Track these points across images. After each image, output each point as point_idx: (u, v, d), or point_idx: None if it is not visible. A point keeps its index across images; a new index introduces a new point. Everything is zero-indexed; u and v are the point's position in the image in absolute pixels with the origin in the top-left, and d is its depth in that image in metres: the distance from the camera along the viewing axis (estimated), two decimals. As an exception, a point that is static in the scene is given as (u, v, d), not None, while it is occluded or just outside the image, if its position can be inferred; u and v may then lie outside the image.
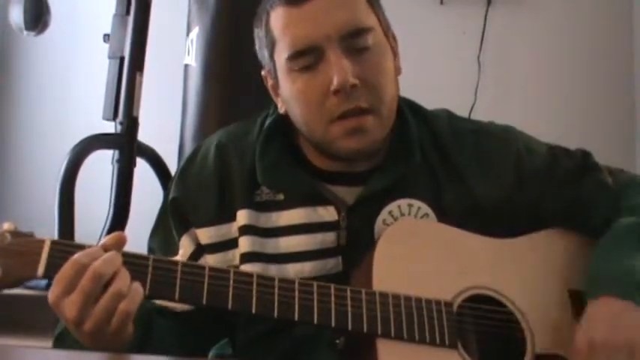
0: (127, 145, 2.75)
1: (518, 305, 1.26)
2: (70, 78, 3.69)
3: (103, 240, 1.14)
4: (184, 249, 1.33)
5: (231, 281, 1.14)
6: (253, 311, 1.14)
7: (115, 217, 2.71)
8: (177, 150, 2.64)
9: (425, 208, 1.33)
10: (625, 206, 1.35)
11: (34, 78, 3.78)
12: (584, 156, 1.44)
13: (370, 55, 1.29)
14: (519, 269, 1.31)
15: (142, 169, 2.84)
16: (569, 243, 1.36)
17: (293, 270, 1.29)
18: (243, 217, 1.32)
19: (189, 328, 1.30)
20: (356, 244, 1.30)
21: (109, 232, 2.58)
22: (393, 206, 1.32)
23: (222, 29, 2.53)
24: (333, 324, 1.16)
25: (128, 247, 1.14)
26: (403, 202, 1.32)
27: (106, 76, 2.80)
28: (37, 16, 2.81)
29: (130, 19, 2.77)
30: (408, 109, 1.40)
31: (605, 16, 3.39)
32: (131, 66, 2.75)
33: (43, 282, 2.56)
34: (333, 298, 1.17)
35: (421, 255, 1.26)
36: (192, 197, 1.36)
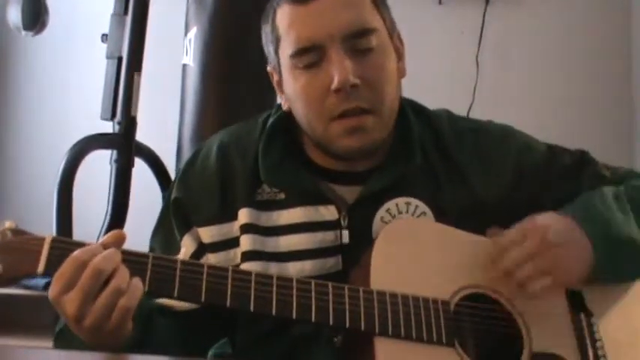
0: (125, 145, 2.75)
1: (514, 304, 1.26)
2: (68, 78, 3.69)
3: (103, 238, 1.14)
4: (186, 248, 1.34)
5: (230, 279, 1.15)
6: (251, 309, 1.14)
7: (113, 216, 2.72)
8: (176, 150, 2.64)
9: (422, 207, 1.33)
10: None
11: (32, 78, 3.78)
12: (582, 154, 1.45)
13: (373, 55, 1.29)
14: (517, 268, 1.31)
15: (140, 169, 2.85)
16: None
17: (293, 269, 1.30)
18: (244, 215, 1.32)
19: (189, 327, 1.31)
20: (356, 243, 1.30)
21: (107, 232, 2.57)
22: (391, 204, 1.32)
23: (221, 29, 2.53)
24: (330, 322, 1.16)
25: (126, 247, 1.14)
26: (401, 201, 1.33)
27: (104, 76, 2.80)
28: (35, 16, 2.81)
29: (128, 18, 2.77)
30: (410, 109, 1.41)
31: (603, 16, 3.40)
32: (129, 66, 2.75)
33: (42, 282, 2.57)
34: (331, 297, 1.17)
35: (419, 254, 1.26)
36: (194, 197, 1.36)
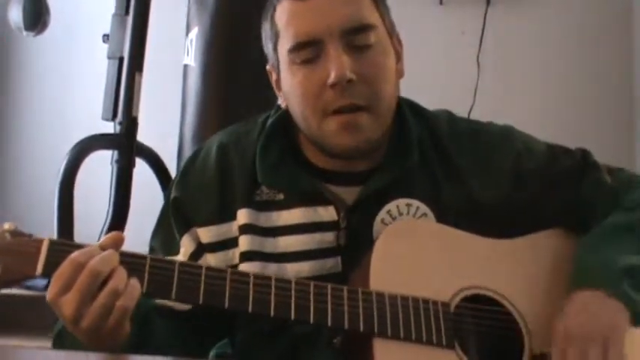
0: (126, 145, 2.75)
1: (516, 305, 1.26)
2: (70, 78, 3.70)
3: (101, 240, 1.14)
4: (185, 248, 1.34)
5: (228, 280, 1.15)
6: (250, 310, 1.14)
7: (114, 217, 2.72)
8: (177, 150, 2.64)
9: (423, 208, 1.33)
10: (622, 204, 1.36)
11: (33, 78, 3.78)
12: (584, 155, 1.43)
13: (371, 53, 1.29)
14: (517, 270, 1.30)
15: (141, 169, 2.85)
16: (567, 243, 1.36)
17: (292, 269, 1.29)
18: (243, 216, 1.32)
19: (189, 327, 1.31)
20: (355, 244, 1.30)
21: (108, 232, 2.57)
22: (391, 206, 1.32)
23: (222, 29, 2.53)
24: (329, 323, 1.16)
25: (127, 247, 1.14)
26: (402, 202, 1.33)
27: (105, 77, 2.81)
28: (37, 16, 2.81)
29: (130, 19, 2.77)
30: (408, 109, 1.40)
31: (604, 16, 3.40)
32: (130, 66, 2.76)
33: (42, 283, 2.56)
34: (329, 298, 1.17)
35: (419, 255, 1.26)
36: (193, 197, 1.36)
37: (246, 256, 1.31)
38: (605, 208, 1.36)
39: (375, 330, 1.16)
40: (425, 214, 1.33)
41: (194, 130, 2.55)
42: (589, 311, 1.21)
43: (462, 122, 1.44)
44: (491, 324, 1.24)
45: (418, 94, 1.45)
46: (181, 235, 1.35)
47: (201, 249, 1.34)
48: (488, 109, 3.09)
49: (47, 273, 1.10)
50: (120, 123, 2.75)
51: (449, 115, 1.44)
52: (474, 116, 1.53)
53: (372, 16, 1.31)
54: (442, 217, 1.33)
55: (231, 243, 1.33)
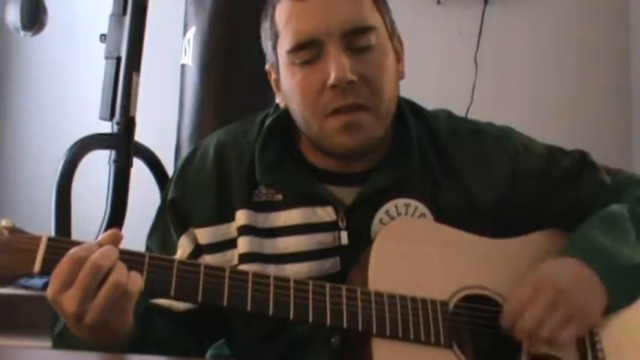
0: (123, 145, 2.74)
1: (514, 305, 1.26)
2: (67, 78, 3.69)
3: (99, 237, 1.14)
4: (183, 249, 1.33)
5: (227, 279, 1.15)
6: (248, 309, 1.14)
7: (112, 217, 2.71)
8: (174, 150, 2.64)
9: (422, 208, 1.33)
10: (623, 199, 1.36)
11: (30, 78, 3.78)
12: (582, 156, 1.44)
13: (371, 53, 1.29)
14: (516, 269, 1.30)
15: (139, 169, 2.84)
16: (565, 243, 1.36)
17: (291, 270, 1.29)
18: (241, 217, 1.32)
19: (187, 327, 1.31)
20: (354, 244, 1.29)
21: (106, 231, 2.57)
22: (390, 206, 1.32)
23: (219, 29, 2.53)
24: (328, 322, 1.16)
25: (125, 246, 1.14)
26: (400, 202, 1.33)
27: (102, 76, 2.80)
28: (34, 16, 2.80)
29: (127, 18, 2.77)
30: (408, 109, 1.40)
31: (601, 16, 3.40)
32: (128, 66, 2.75)
33: (40, 282, 2.56)
34: (328, 297, 1.17)
35: (417, 255, 1.26)
36: (191, 197, 1.36)
37: (245, 258, 1.30)
38: (604, 208, 1.36)
39: (374, 330, 1.16)
40: (423, 214, 1.33)
41: (192, 130, 2.54)
42: (576, 279, 1.23)
43: (461, 122, 1.44)
44: (489, 324, 1.24)
45: (416, 94, 1.44)
46: (179, 236, 1.35)
47: (198, 250, 1.33)
48: (485, 109, 3.08)
49: (45, 270, 1.09)
50: (117, 123, 2.74)
51: (448, 115, 1.44)
52: (472, 116, 1.53)
53: (373, 17, 1.30)
54: (440, 217, 1.32)
55: (230, 244, 1.32)
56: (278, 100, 1.39)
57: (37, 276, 1.11)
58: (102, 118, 2.78)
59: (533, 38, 3.43)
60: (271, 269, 1.29)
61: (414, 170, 1.34)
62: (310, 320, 1.15)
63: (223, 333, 1.41)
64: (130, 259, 1.12)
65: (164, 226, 1.37)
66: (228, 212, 1.33)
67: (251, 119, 1.43)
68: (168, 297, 1.14)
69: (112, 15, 2.81)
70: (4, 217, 1.15)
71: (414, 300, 1.20)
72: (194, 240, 1.34)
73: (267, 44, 1.37)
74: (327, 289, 1.17)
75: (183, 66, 2.60)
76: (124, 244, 1.14)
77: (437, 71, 3.33)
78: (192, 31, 2.55)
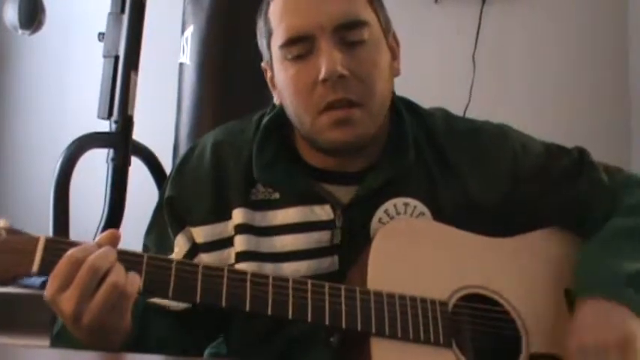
0: (121, 143, 2.74)
1: (513, 304, 1.26)
2: (65, 77, 3.69)
3: (97, 238, 1.14)
4: (179, 248, 1.33)
5: (225, 279, 1.14)
6: (247, 309, 1.14)
7: (110, 215, 2.71)
8: (172, 149, 2.63)
9: (420, 207, 1.33)
10: (620, 205, 1.36)
11: (28, 77, 3.77)
12: (581, 154, 1.44)
13: (363, 49, 1.28)
14: (515, 268, 1.30)
15: (137, 167, 2.84)
16: (565, 242, 1.36)
17: (289, 269, 1.29)
18: (239, 215, 1.32)
19: (184, 326, 1.30)
20: (352, 243, 1.29)
21: (104, 230, 2.57)
22: (388, 205, 1.32)
23: (217, 28, 2.53)
24: (327, 322, 1.16)
25: (123, 245, 1.14)
26: (399, 201, 1.33)
27: (100, 75, 2.80)
28: (32, 15, 2.80)
29: (125, 17, 2.77)
30: (404, 107, 1.40)
31: (599, 14, 3.40)
32: (126, 65, 2.75)
33: (38, 281, 2.56)
34: (327, 297, 1.17)
35: (417, 254, 1.26)
36: (188, 196, 1.36)
37: (242, 257, 1.30)
38: (602, 207, 1.36)
39: (373, 329, 1.16)
40: (422, 213, 1.33)
41: (190, 129, 2.54)
42: (599, 322, 1.20)
43: (458, 121, 1.44)
44: (488, 323, 1.24)
45: (414, 93, 1.45)
46: (175, 235, 1.34)
47: (195, 249, 1.33)
48: (483, 108, 3.09)
49: (43, 271, 1.09)
50: (115, 121, 2.74)
51: (445, 114, 1.44)
52: (470, 115, 1.52)
53: (365, 13, 1.30)
54: (439, 216, 1.32)
55: (227, 243, 1.32)
56: (274, 97, 1.39)
57: (34, 276, 1.11)
58: (100, 117, 2.78)
59: (531, 37, 3.42)
60: (268, 268, 1.29)
61: (411, 168, 1.34)
62: (309, 320, 1.15)
63: (222, 331, 1.41)
64: (128, 259, 1.12)
65: (161, 224, 1.37)
66: (226, 211, 1.33)
67: (248, 118, 1.43)
68: (166, 297, 1.14)
69: (110, 13, 2.81)
70: (2, 215, 1.14)
71: (413, 299, 1.20)
72: (191, 239, 1.34)
73: (262, 42, 1.37)
74: (326, 288, 1.17)
75: (181, 65, 2.60)
76: (122, 242, 1.14)
77: (435, 70, 3.33)
78: (190, 30, 2.55)
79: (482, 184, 1.36)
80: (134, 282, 1.10)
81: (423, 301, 1.20)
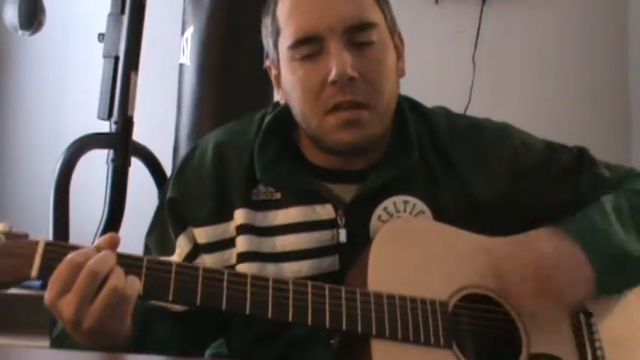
0: (121, 144, 2.74)
1: (513, 305, 1.26)
2: (65, 77, 3.69)
3: (96, 242, 1.13)
4: (181, 248, 1.33)
5: (225, 282, 1.14)
6: (247, 312, 1.14)
7: (110, 216, 2.71)
8: (172, 149, 2.63)
9: (420, 205, 1.33)
10: (622, 190, 1.37)
11: (28, 77, 3.77)
12: (581, 151, 1.44)
13: (372, 50, 1.28)
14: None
15: (137, 168, 2.84)
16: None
17: (290, 269, 1.29)
18: (240, 216, 1.32)
19: (185, 327, 1.30)
20: (353, 242, 1.29)
21: (104, 231, 2.57)
22: (388, 202, 1.32)
23: (218, 28, 2.52)
24: (327, 324, 1.15)
25: (123, 246, 1.14)
26: (398, 199, 1.32)
27: (100, 76, 2.80)
28: (32, 16, 2.80)
29: (125, 18, 2.76)
30: (407, 106, 1.40)
31: (599, 15, 3.40)
32: (126, 65, 2.75)
33: (38, 281, 2.56)
34: (327, 299, 1.16)
35: (416, 254, 1.26)
36: (189, 197, 1.35)
37: (244, 257, 1.30)
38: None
39: (373, 331, 1.16)
40: (422, 212, 1.32)
41: (190, 129, 2.54)
42: (564, 255, 1.25)
43: (459, 119, 1.44)
44: (489, 323, 1.24)
45: (414, 93, 1.45)
46: (177, 236, 1.34)
47: (197, 249, 1.33)
48: (483, 108, 3.05)
49: (42, 275, 1.09)
50: (115, 122, 2.74)
51: (446, 112, 1.44)
52: (470, 115, 1.53)
53: (374, 14, 1.30)
54: (440, 215, 1.32)
55: (228, 243, 1.32)
56: (278, 96, 1.39)
57: (33, 280, 1.11)
58: (100, 118, 2.78)
59: (531, 37, 3.43)
60: (270, 268, 1.29)
61: (414, 168, 1.34)
62: (309, 323, 1.15)
63: (222, 333, 1.41)
64: (128, 263, 1.12)
65: (162, 225, 1.37)
66: (227, 211, 1.33)
67: (249, 118, 1.42)
68: (166, 301, 1.14)
69: (110, 14, 2.81)
70: (1, 216, 1.14)
71: (413, 300, 1.20)
72: (192, 239, 1.33)
73: (268, 40, 1.37)
74: (326, 290, 1.17)
75: (181, 65, 2.60)
76: (122, 244, 1.14)
77: (435, 71, 3.33)
78: (190, 31, 2.55)
79: (484, 181, 1.36)
80: (134, 286, 1.10)
81: (423, 302, 1.20)
